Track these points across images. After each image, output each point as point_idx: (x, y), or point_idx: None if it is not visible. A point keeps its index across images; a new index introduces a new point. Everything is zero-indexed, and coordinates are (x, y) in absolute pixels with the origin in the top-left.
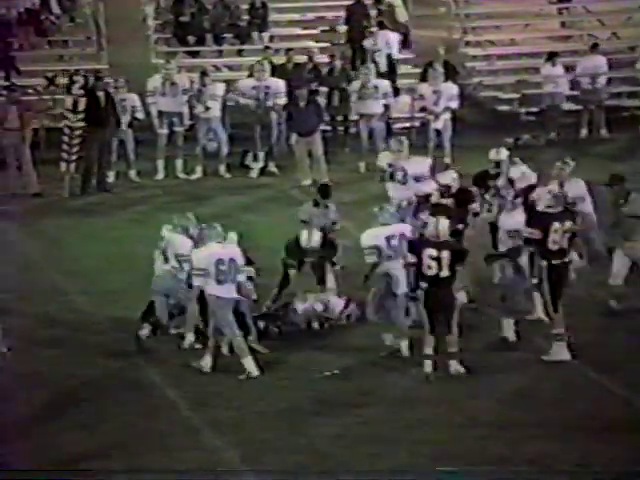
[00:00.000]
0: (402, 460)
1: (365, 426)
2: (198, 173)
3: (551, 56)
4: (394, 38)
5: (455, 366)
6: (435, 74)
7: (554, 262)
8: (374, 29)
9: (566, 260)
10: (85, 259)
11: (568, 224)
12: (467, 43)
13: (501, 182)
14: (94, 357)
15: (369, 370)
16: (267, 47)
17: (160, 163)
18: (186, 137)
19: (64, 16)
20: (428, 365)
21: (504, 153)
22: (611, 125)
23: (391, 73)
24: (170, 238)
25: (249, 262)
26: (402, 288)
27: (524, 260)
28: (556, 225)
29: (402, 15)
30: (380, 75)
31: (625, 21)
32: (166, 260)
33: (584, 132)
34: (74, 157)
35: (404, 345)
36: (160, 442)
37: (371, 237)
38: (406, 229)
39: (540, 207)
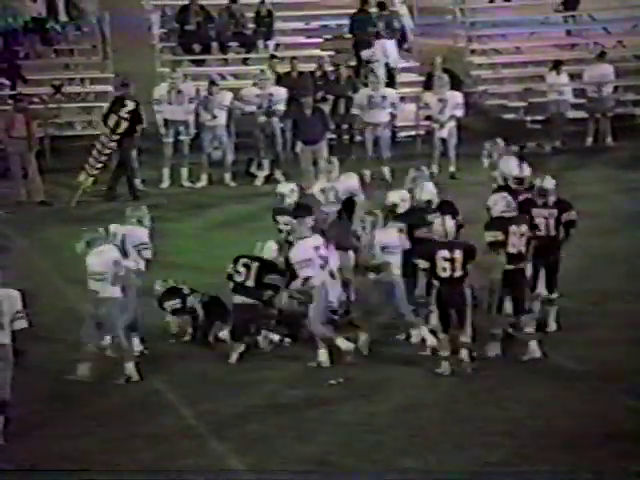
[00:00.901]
0: (407, 464)
1: (368, 430)
2: (203, 181)
3: (556, 65)
4: (392, 46)
5: (465, 357)
6: (440, 82)
7: (508, 267)
8: (372, 39)
9: (521, 266)
10: None
11: (524, 228)
12: (472, 51)
13: None
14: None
15: (372, 373)
16: (273, 56)
17: (165, 171)
18: (191, 145)
19: (70, 25)
20: (446, 366)
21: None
22: (617, 133)
23: (390, 82)
24: (128, 231)
25: (275, 269)
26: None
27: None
28: (514, 228)
29: (407, 23)
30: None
31: (630, 29)
32: (125, 255)
33: (590, 140)
34: (95, 172)
35: (322, 354)
36: (161, 443)
37: (301, 251)
38: (321, 240)
39: (495, 213)
